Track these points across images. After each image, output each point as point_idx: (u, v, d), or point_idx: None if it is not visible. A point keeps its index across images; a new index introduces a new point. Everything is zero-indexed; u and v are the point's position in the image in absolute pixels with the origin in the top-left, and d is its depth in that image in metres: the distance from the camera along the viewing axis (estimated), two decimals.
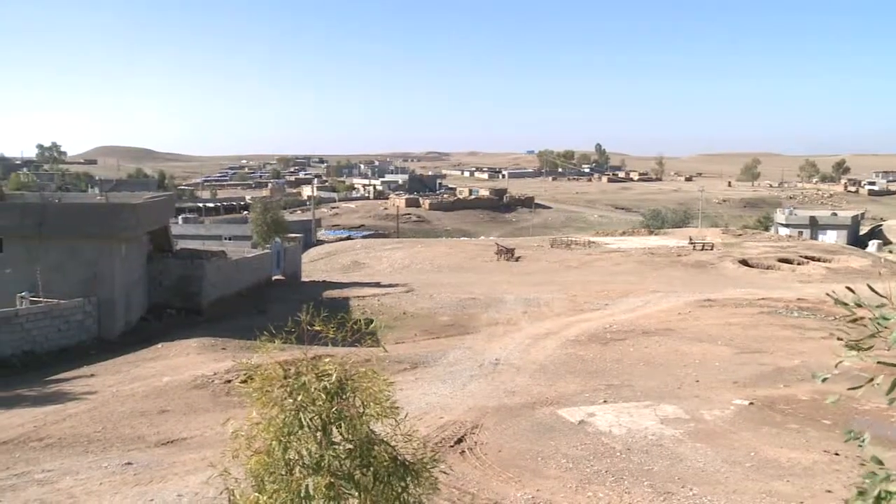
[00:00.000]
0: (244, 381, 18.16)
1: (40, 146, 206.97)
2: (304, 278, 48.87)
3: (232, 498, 5.82)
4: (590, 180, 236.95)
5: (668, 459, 12.89)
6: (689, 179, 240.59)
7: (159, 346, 25.59)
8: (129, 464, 13.25)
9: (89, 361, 23.79)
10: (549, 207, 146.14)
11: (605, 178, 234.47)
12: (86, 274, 27.22)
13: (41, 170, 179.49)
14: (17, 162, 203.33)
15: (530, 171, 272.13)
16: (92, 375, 21.83)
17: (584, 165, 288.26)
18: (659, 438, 14.03)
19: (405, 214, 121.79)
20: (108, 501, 11.31)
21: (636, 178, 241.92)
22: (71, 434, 15.68)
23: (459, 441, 13.90)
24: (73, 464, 13.50)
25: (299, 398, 5.56)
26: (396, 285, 41.62)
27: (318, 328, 6.03)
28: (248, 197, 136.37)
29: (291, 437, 5.48)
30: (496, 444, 13.76)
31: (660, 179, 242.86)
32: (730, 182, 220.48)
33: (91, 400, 18.65)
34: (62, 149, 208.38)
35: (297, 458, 5.50)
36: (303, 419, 5.46)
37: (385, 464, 5.64)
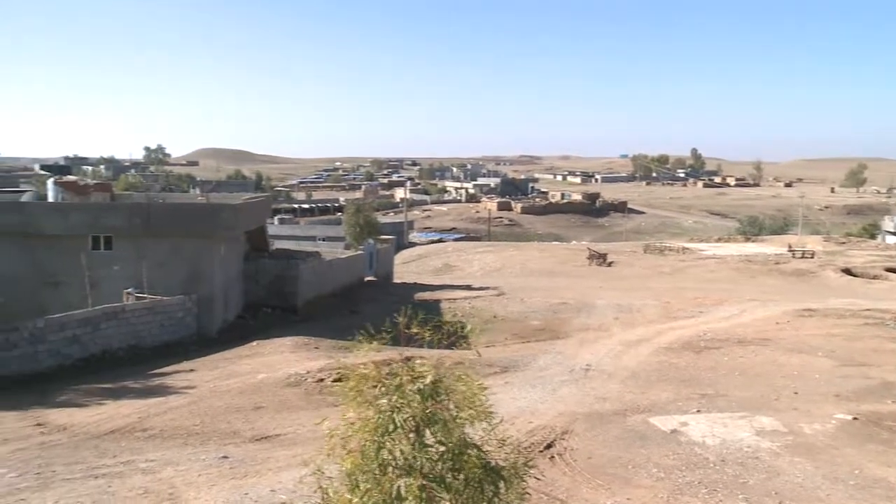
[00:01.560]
0: (337, 381, 18.52)
1: (147, 148, 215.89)
2: (396, 280, 49.35)
3: (325, 496, 5.90)
4: (685, 185, 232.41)
5: (765, 473, 12.49)
6: (788, 185, 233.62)
7: (255, 343, 26.22)
8: (225, 457, 13.60)
9: (189, 357, 24.58)
10: (642, 212, 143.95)
11: (700, 183, 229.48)
12: (187, 272, 28.13)
13: (147, 171, 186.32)
14: (126, 164, 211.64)
15: (624, 175, 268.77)
16: (191, 370, 22.54)
17: (678, 170, 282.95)
18: (755, 451, 13.61)
19: (497, 218, 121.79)
20: (205, 493, 11.62)
21: (733, 183, 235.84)
22: (172, 426, 16.21)
23: (549, 446, 13.79)
24: (174, 455, 13.94)
25: (394, 399, 5.60)
26: (487, 288, 41.63)
27: (414, 330, 6.07)
28: (341, 199, 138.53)
29: (385, 438, 5.52)
30: (586, 450, 13.60)
31: (758, 185, 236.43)
32: (833, 188, 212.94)
33: (190, 394, 19.25)
34: (167, 151, 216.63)
35: (390, 458, 5.54)
36: (396, 420, 5.50)
37: (477, 468, 5.63)
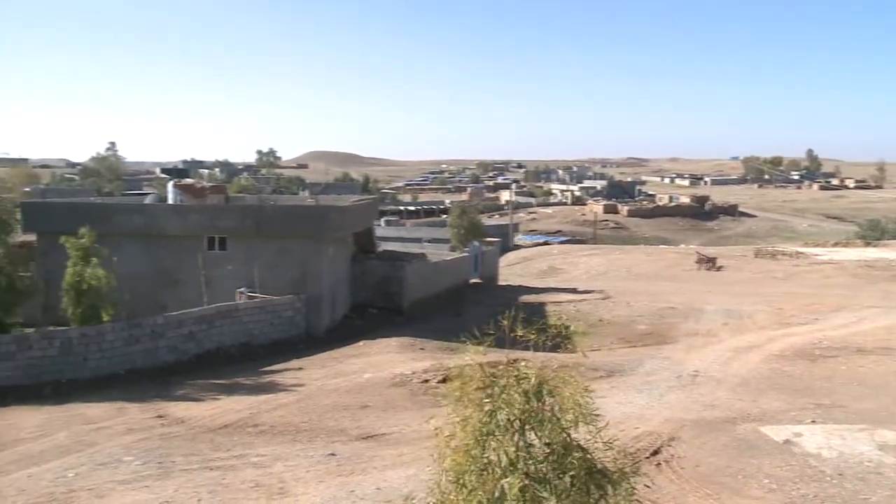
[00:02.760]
0: (442, 381, 18.65)
1: (259, 152, 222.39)
2: (501, 282, 49.32)
3: (436, 495, 5.99)
4: (799, 188, 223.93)
5: (890, 490, 11.86)
6: None
7: (361, 343, 26.69)
8: (332, 455, 13.92)
9: (298, 355, 25.23)
10: (753, 216, 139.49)
11: (816, 186, 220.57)
12: (297, 272, 28.87)
13: (259, 174, 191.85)
14: (239, 167, 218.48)
15: (734, 178, 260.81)
16: (300, 369, 23.14)
17: (793, 172, 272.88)
18: (877, 466, 12.96)
19: (603, 221, 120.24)
20: (313, 489, 11.93)
21: (852, 185, 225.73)
22: (281, 422, 16.70)
23: (655, 453, 13.56)
24: (284, 450, 14.36)
25: (497, 400, 5.64)
26: (593, 292, 41.19)
27: (519, 333, 6.10)
28: (447, 201, 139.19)
29: (489, 438, 5.57)
30: (694, 458, 13.32)
31: (880, 187, 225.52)
32: None
33: (299, 392, 19.78)
34: (278, 154, 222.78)
35: (494, 458, 5.58)
36: (500, 420, 5.55)
37: (582, 470, 5.62)
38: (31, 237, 29.76)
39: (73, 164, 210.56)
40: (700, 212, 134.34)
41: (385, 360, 23.73)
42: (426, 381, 19.89)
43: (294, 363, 23.94)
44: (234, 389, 20.48)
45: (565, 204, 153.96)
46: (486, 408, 5.67)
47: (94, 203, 38.28)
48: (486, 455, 5.60)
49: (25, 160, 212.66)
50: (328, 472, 12.78)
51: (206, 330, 25.26)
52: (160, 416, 17.60)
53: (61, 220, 28.23)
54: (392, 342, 26.35)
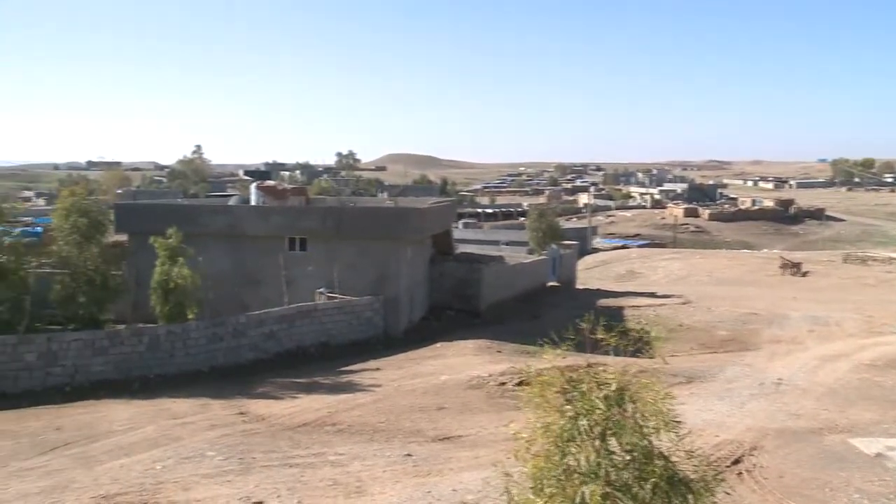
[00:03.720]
0: (519, 385, 18.59)
1: (339, 154, 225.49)
2: (579, 285, 48.99)
3: (509, 499, 6.00)
4: (892, 191, 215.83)
5: None
6: None
7: (438, 345, 26.80)
8: (409, 455, 14.01)
9: (375, 356, 25.47)
10: (841, 220, 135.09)
11: None
12: (375, 273, 29.16)
13: (339, 176, 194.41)
14: (320, 169, 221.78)
15: (821, 180, 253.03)
16: (378, 369, 23.35)
17: (886, 174, 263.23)
18: None
19: (683, 224, 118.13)
20: (390, 488, 12.02)
21: None
22: (359, 422, 16.89)
23: (737, 462, 13.25)
24: (361, 450, 14.52)
25: (578, 405, 5.62)
26: (672, 296, 40.55)
27: (599, 337, 6.06)
28: (525, 203, 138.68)
29: (569, 444, 5.54)
30: (777, 468, 12.96)
31: None
32: None
33: (377, 392, 19.97)
34: (357, 156, 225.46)
35: (574, 464, 5.56)
36: (581, 426, 5.52)
37: (664, 478, 5.55)
38: (123, 237, 30.80)
39: (162, 167, 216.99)
40: (784, 215, 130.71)
41: (462, 362, 23.78)
42: (503, 384, 19.86)
43: (372, 364, 24.18)
44: (312, 388, 20.81)
45: (644, 207, 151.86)
46: (567, 413, 5.64)
47: (181, 204, 39.37)
48: (566, 461, 5.57)
49: (118, 164, 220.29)
50: (405, 473, 12.87)
51: (287, 329, 25.73)
52: (242, 413, 18.00)
53: (150, 221, 29.13)
54: (469, 344, 26.38)
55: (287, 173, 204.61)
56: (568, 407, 5.68)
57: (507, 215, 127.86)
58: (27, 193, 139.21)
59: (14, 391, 20.48)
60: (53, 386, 20.99)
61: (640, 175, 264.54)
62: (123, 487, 12.37)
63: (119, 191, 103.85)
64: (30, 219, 41.29)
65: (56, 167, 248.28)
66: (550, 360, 6.13)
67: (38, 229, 32.40)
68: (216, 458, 13.92)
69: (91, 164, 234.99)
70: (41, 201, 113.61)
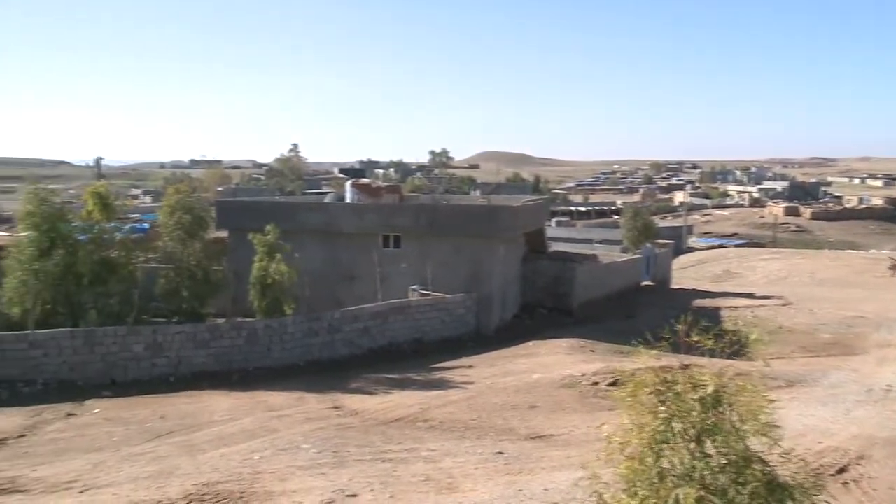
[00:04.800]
0: (612, 385, 18.39)
1: (432, 152, 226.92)
2: (673, 285, 48.15)
3: (601, 501, 5.97)
4: None
5: None
6: None
7: (531, 343, 26.71)
8: (500, 453, 14.02)
9: (467, 353, 25.56)
10: None
11: None
12: (468, 271, 29.27)
13: (432, 174, 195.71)
14: (413, 167, 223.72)
15: None
16: (470, 366, 23.44)
17: None
18: None
19: (783, 223, 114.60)
20: (481, 486, 12.06)
21: None
22: (451, 419, 16.99)
23: (841, 471, 12.75)
24: (453, 446, 14.61)
25: (672, 407, 5.54)
26: (772, 297, 39.39)
27: (695, 338, 5.98)
28: (618, 202, 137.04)
29: (664, 446, 5.48)
30: (888, 479, 12.40)
31: None
32: None
33: (469, 389, 20.05)
34: (450, 154, 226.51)
35: (668, 467, 5.49)
36: (675, 428, 5.45)
37: (761, 483, 5.43)
38: (224, 233, 31.73)
39: (260, 165, 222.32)
40: (894, 214, 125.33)
41: (554, 360, 23.66)
42: (595, 383, 19.68)
43: (464, 361, 24.28)
44: (405, 384, 21.05)
45: (742, 206, 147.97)
46: (661, 415, 5.58)
47: (279, 202, 40.34)
48: (659, 463, 5.51)
49: (219, 162, 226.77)
50: (496, 470, 12.89)
51: (380, 325, 26.08)
52: (336, 407, 18.34)
53: (249, 217, 29.95)
54: (561, 343, 26.23)
55: (381, 171, 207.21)
56: (662, 408, 5.61)
57: (601, 213, 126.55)
58: (135, 191, 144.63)
59: (123, 380, 21.42)
60: (159, 376, 21.86)
61: (738, 173, 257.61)
62: (223, 476, 12.78)
63: (219, 188, 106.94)
64: (138, 215, 42.97)
65: (162, 166, 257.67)
66: (645, 361, 6.07)
67: (146, 225, 33.73)
68: (311, 450, 14.22)
69: (194, 163, 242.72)
70: (148, 199, 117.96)
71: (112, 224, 25.01)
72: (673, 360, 6.75)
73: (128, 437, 16.04)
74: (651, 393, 5.80)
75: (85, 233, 23.83)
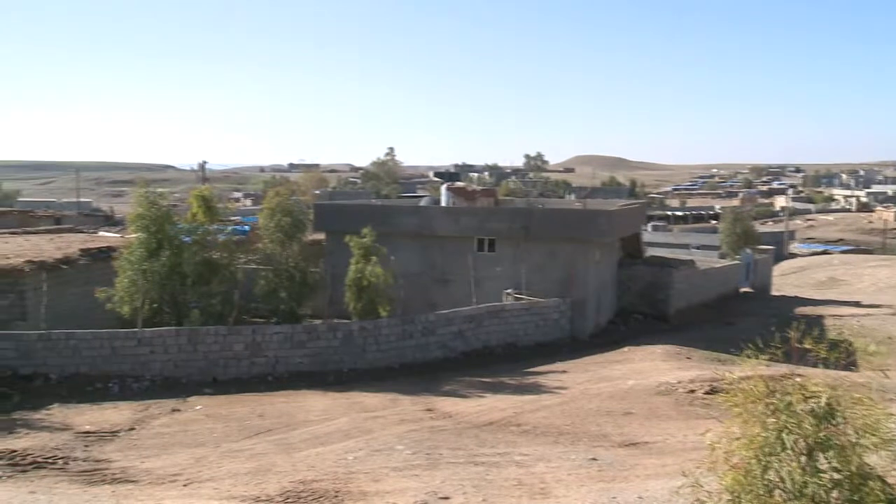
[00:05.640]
0: (709, 393, 17.92)
1: (527, 156, 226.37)
2: (774, 292, 46.75)
3: None
4: None
5: None
6: None
7: (626, 349, 26.36)
8: (594, 459, 13.86)
9: (561, 358, 25.37)
10: None
11: None
12: (562, 275, 29.07)
13: (526, 177, 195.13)
14: (508, 170, 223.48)
15: None
16: (564, 371, 23.27)
17: None
18: None
19: (894, 229, 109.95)
20: (574, 492, 11.94)
21: None
22: (544, 424, 16.90)
23: None
24: (546, 451, 14.52)
25: (783, 418, 5.36)
26: (881, 306, 37.83)
27: (807, 346, 5.78)
28: (717, 206, 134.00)
29: (772, 458, 5.29)
30: None
31: None
32: None
33: (562, 394, 19.92)
34: (545, 158, 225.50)
35: (777, 480, 5.30)
36: (786, 441, 5.26)
37: (881, 502, 5.18)
38: (321, 236, 32.33)
39: (356, 169, 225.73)
40: None
41: (650, 367, 23.29)
42: (692, 391, 19.27)
43: (558, 366, 24.12)
44: (498, 388, 21.04)
45: (849, 211, 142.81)
46: (770, 426, 5.40)
47: (375, 205, 40.84)
48: (767, 476, 5.33)
49: (317, 165, 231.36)
50: (589, 477, 12.75)
51: (474, 329, 26.15)
52: (429, 410, 18.46)
53: (346, 220, 30.41)
54: (657, 349, 25.80)
55: (476, 175, 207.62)
56: (771, 419, 5.43)
57: (698, 218, 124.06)
58: (236, 194, 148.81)
59: (224, 378, 22.07)
60: (257, 375, 22.43)
61: (844, 177, 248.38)
62: (319, 475, 13.02)
63: (317, 191, 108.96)
64: (238, 218, 44.18)
65: (262, 169, 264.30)
66: (752, 369, 5.89)
67: (246, 228, 34.59)
68: (405, 451, 14.36)
69: (292, 167, 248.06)
70: (248, 201, 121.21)
71: (215, 226, 25.75)
72: (781, 369, 6.55)
73: (227, 434, 16.53)
74: (760, 402, 5.63)
75: (189, 234, 24.62)
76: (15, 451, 14.85)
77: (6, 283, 24.29)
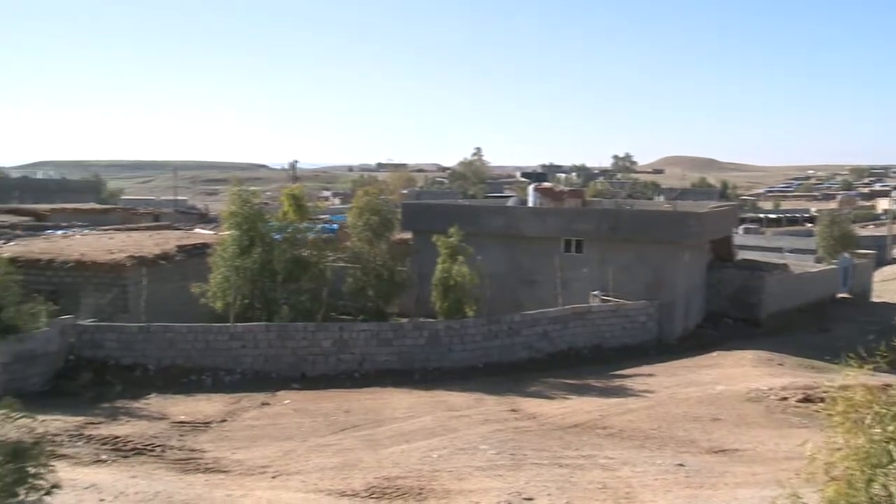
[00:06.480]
0: (803, 401, 17.41)
1: (615, 157, 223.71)
2: (874, 299, 45.06)
3: None
4: None
5: None
6: None
7: (715, 354, 25.86)
8: (681, 465, 13.65)
9: (648, 361, 25.05)
10: None
11: None
12: (650, 277, 28.65)
13: (614, 178, 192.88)
14: (595, 171, 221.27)
15: None
16: (650, 375, 22.97)
17: None
18: None
19: None
20: (661, 498, 11.79)
21: None
22: (629, 427, 16.72)
23: None
24: (631, 455, 14.37)
25: (890, 429, 5.16)
26: None
27: None
28: (813, 209, 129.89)
29: (878, 471, 5.11)
30: None
31: None
32: None
33: (649, 398, 19.67)
34: (633, 159, 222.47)
35: (882, 494, 5.10)
36: (893, 453, 5.05)
37: None
38: (408, 235, 32.63)
39: (444, 169, 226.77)
40: None
41: (739, 373, 22.80)
42: (784, 398, 18.78)
43: (644, 369, 23.84)
44: (584, 390, 20.91)
45: None
46: (875, 437, 5.19)
47: (462, 205, 41.05)
48: (871, 489, 5.13)
49: (405, 165, 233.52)
50: (676, 483, 12.57)
51: (560, 330, 26.01)
52: (514, 410, 18.47)
53: (434, 220, 30.61)
54: (748, 355, 25.22)
55: (563, 175, 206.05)
56: (877, 430, 5.21)
57: (793, 221, 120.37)
58: (325, 193, 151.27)
59: (312, 374, 22.51)
60: (344, 371, 22.80)
61: None
62: (403, 472, 13.19)
63: (404, 191, 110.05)
64: (327, 216, 44.93)
65: (350, 169, 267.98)
66: (857, 378, 5.68)
67: (335, 226, 35.16)
68: (489, 451, 14.41)
69: (380, 166, 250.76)
70: (337, 200, 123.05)
71: (305, 224, 26.24)
72: (886, 378, 6.33)
73: (315, 429, 16.87)
74: (866, 412, 5.43)
75: (280, 232, 25.17)
76: (118, 437, 15.53)
77: (111, 277, 25.36)
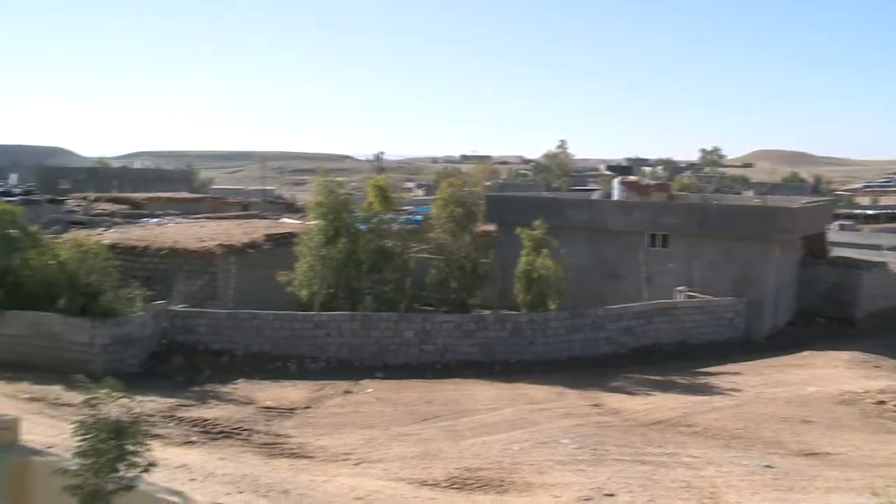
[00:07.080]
0: None
1: (703, 150, 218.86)
2: None
3: None
4: None
5: None
6: None
7: (806, 353, 25.14)
8: (768, 467, 13.33)
9: (734, 359, 24.48)
10: None
11: None
12: (738, 273, 27.99)
13: (702, 172, 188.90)
14: (682, 165, 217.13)
15: None
16: (737, 373, 22.45)
17: None
18: None
19: None
20: (747, 499, 11.53)
21: None
22: (715, 426, 16.39)
23: None
24: (716, 455, 14.10)
25: None
26: None
27: None
28: None
29: None
30: None
31: None
32: None
33: (735, 397, 19.24)
34: (722, 152, 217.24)
35: None
36: None
37: None
38: (492, 227, 32.59)
39: (527, 161, 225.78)
40: None
41: (832, 374, 22.10)
42: (881, 402, 18.12)
43: (731, 367, 23.31)
44: (668, 387, 20.57)
45: None
46: None
47: (547, 198, 40.75)
48: None
49: (488, 157, 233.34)
50: (763, 485, 12.28)
51: (644, 325, 25.64)
52: (596, 405, 18.30)
53: (518, 212, 30.48)
54: (842, 356, 24.41)
55: (649, 169, 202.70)
56: None
57: (892, 218, 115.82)
58: (409, 184, 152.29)
59: (394, 363, 22.71)
60: (426, 362, 22.93)
61: None
62: (484, 463, 13.22)
63: (488, 183, 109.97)
64: (411, 208, 45.25)
65: (434, 160, 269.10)
66: None
67: (419, 217, 35.40)
68: (570, 446, 14.32)
69: (464, 158, 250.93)
70: (420, 192, 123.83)
71: (389, 215, 26.48)
72: None
73: (396, 418, 17.03)
74: None
75: (365, 223, 25.46)
76: (207, 420, 15.99)
77: (201, 264, 26.11)
